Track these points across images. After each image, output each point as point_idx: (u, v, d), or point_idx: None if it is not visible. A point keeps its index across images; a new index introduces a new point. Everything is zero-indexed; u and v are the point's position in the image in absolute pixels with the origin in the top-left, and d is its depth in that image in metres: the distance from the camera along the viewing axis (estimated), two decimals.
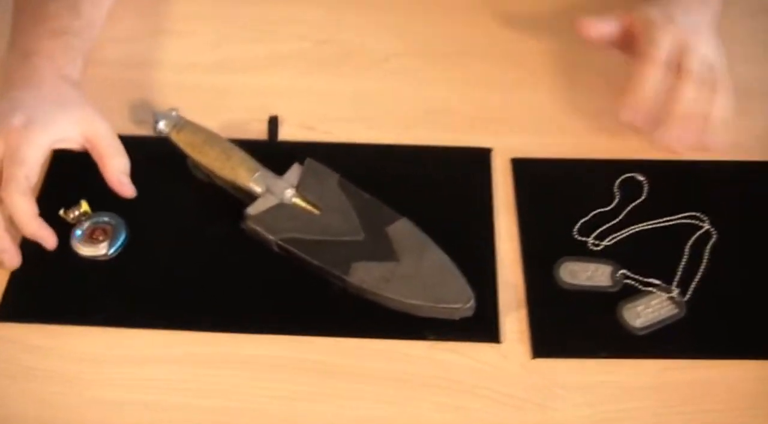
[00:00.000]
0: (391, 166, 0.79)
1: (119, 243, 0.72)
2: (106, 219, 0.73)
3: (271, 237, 0.70)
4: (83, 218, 0.73)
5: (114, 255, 0.72)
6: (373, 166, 0.78)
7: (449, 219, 0.74)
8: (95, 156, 0.74)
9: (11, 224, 0.70)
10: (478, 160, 0.80)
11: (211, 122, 0.78)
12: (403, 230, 0.71)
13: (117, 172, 0.73)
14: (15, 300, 0.70)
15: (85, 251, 0.72)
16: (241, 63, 0.88)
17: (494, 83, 0.86)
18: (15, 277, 0.72)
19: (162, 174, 0.78)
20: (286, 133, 0.82)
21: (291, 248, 0.70)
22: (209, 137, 0.75)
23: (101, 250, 0.72)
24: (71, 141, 0.74)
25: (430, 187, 0.78)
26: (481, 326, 0.69)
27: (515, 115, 0.84)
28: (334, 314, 0.69)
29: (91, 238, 0.72)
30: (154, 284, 0.71)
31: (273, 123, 0.82)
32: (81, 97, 0.76)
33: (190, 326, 0.69)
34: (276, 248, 0.71)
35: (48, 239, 0.71)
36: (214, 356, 0.68)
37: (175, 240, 0.74)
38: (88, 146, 0.74)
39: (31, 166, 0.70)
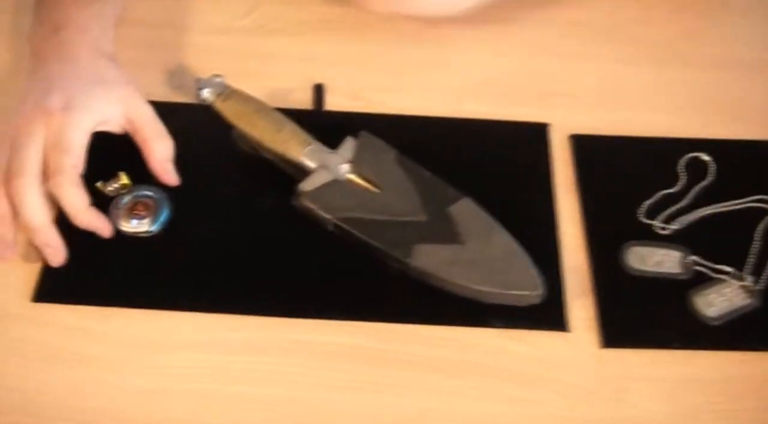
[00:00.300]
0: (442, 141, 0.75)
1: (163, 219, 0.68)
2: (148, 193, 0.69)
3: (327, 216, 0.66)
4: (123, 192, 0.69)
5: (157, 232, 0.67)
6: (423, 141, 0.74)
7: (506, 198, 0.70)
8: (138, 140, 0.69)
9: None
10: (534, 136, 0.76)
11: (251, 90, 0.73)
12: (466, 211, 0.67)
13: (162, 158, 0.69)
14: (52, 280, 0.66)
15: (127, 227, 0.67)
16: (282, 26, 0.84)
17: (551, 53, 0.82)
18: None
19: (203, 144, 0.74)
20: (331, 103, 0.78)
21: (349, 228, 0.66)
22: (258, 107, 0.71)
23: (144, 226, 0.67)
24: (113, 123, 0.69)
25: (484, 163, 0.74)
26: (548, 313, 0.65)
27: (573, 89, 0.80)
28: (392, 298, 0.66)
29: (132, 213, 0.68)
30: (200, 264, 0.67)
31: (318, 91, 0.78)
32: (121, 74, 0.71)
33: (239, 310, 0.65)
34: (331, 228, 0.67)
35: (103, 228, 0.67)
36: (265, 342, 0.64)
37: (220, 216, 0.70)
38: (129, 129, 0.69)
39: (77, 154, 0.65)
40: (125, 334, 0.64)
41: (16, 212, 0.64)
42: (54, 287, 0.66)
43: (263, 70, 0.80)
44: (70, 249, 0.66)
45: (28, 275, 0.66)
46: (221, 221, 0.69)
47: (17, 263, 0.67)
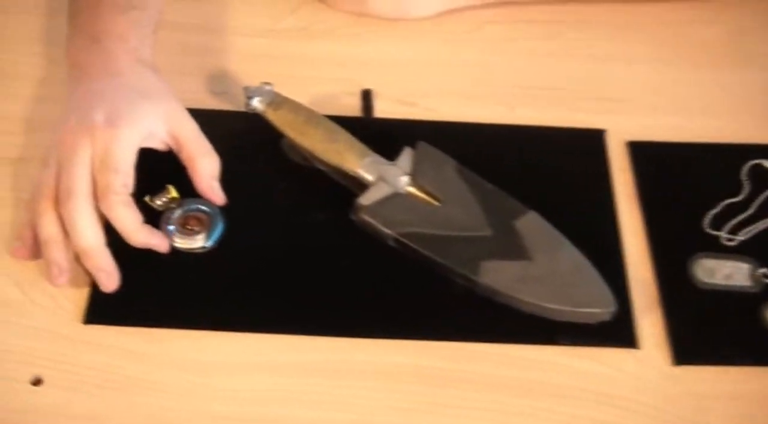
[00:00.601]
0: (495, 149, 0.73)
1: (217, 234, 0.65)
2: (200, 207, 0.66)
3: (388, 231, 0.64)
4: (172, 205, 0.66)
5: (211, 248, 0.65)
6: (475, 149, 0.72)
7: (565, 209, 0.68)
8: (183, 157, 0.66)
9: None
10: (590, 143, 0.74)
11: (294, 96, 0.71)
12: (532, 225, 0.65)
13: (208, 176, 0.66)
14: (104, 300, 0.63)
15: (180, 243, 0.65)
16: (325, 28, 0.81)
17: (599, 56, 0.80)
18: None
19: (251, 154, 0.71)
20: (380, 110, 0.75)
21: (411, 244, 0.64)
22: (310, 116, 0.68)
23: (198, 242, 0.65)
24: (156, 139, 0.66)
25: (539, 172, 0.72)
26: (617, 329, 0.63)
27: (626, 92, 0.78)
28: (456, 316, 0.64)
29: (184, 228, 0.65)
30: (255, 282, 0.65)
31: (367, 97, 0.75)
32: (164, 86, 0.68)
33: (297, 330, 0.63)
34: (392, 243, 0.65)
35: (160, 245, 0.64)
36: (327, 364, 0.62)
37: (274, 231, 0.67)
38: (173, 145, 0.67)
39: (126, 172, 0.62)
40: (182, 357, 0.62)
41: (67, 235, 0.62)
42: (105, 308, 0.63)
43: (307, 75, 0.77)
44: (120, 266, 0.64)
45: (77, 295, 0.64)
46: (275, 236, 0.67)
47: (66, 284, 0.64)
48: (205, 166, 0.66)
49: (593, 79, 0.78)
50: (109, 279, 0.62)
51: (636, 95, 0.77)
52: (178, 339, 0.62)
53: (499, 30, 0.81)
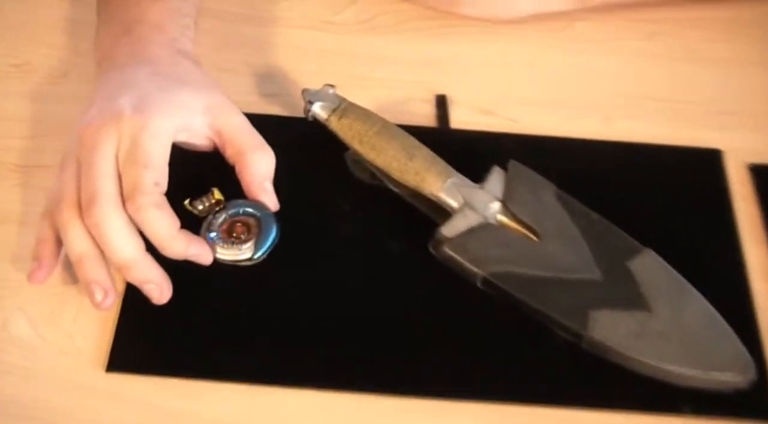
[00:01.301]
0: (590, 169, 0.62)
1: (268, 244, 0.54)
2: (249, 210, 0.55)
3: (476, 270, 0.53)
4: (216, 209, 0.55)
5: (259, 260, 0.54)
6: (567, 168, 0.61)
7: (678, 246, 0.57)
8: (230, 153, 0.55)
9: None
10: (704, 165, 0.63)
11: (356, 100, 0.60)
12: (650, 267, 0.54)
13: (260, 174, 0.55)
14: (132, 341, 0.53)
15: (224, 253, 0.53)
16: (391, 22, 0.70)
17: (720, 60, 0.68)
18: (127, 306, 0.54)
19: (308, 168, 0.60)
20: (456, 119, 0.64)
21: (504, 287, 0.53)
22: (382, 127, 0.57)
23: (245, 252, 0.53)
24: (196, 132, 0.55)
25: (644, 199, 0.61)
26: (751, 398, 0.52)
27: (749, 105, 0.66)
28: (556, 375, 0.53)
29: (230, 236, 0.54)
30: (314, 325, 0.54)
31: (442, 105, 0.64)
32: (208, 79, 0.57)
33: (359, 386, 0.52)
34: (480, 284, 0.54)
35: (202, 254, 0.53)
36: None
37: (335, 263, 0.57)
38: (218, 141, 0.56)
39: (158, 167, 0.51)
40: (220, 417, 0.51)
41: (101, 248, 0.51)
42: (134, 352, 0.53)
43: (371, 76, 0.67)
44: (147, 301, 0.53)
45: (99, 334, 0.53)
46: (336, 270, 0.56)
47: (87, 319, 0.53)
48: (258, 163, 0.55)
49: (705, 87, 0.67)
50: (161, 290, 0.52)
51: (758, 108, 0.66)
52: (214, 394, 0.52)
53: (592, 29, 0.70)
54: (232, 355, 0.53)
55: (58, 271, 0.55)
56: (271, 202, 0.55)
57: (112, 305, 0.52)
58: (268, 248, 0.54)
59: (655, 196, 0.61)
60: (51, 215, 0.53)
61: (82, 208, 0.51)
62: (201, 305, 0.54)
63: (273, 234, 0.54)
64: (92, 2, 0.63)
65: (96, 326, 0.54)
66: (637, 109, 0.66)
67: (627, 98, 0.67)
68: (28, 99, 0.64)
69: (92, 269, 0.51)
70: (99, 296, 0.51)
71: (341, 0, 0.71)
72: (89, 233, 0.51)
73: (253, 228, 0.54)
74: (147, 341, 0.53)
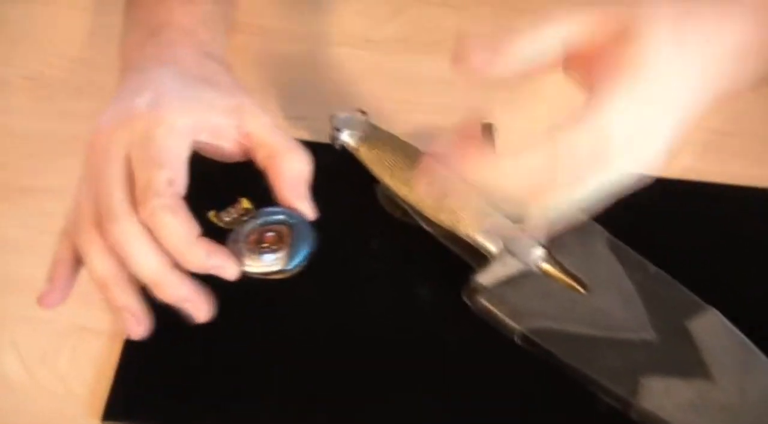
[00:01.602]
0: (647, 211, 0.55)
1: (302, 255, 0.47)
2: (280, 217, 0.48)
3: (514, 324, 0.48)
4: (244, 220, 0.49)
5: (292, 274, 0.48)
6: (618, 209, 0.54)
7: (747, 305, 0.50)
8: (260, 157, 0.49)
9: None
10: None
11: (394, 125, 0.55)
12: (713, 329, 0.48)
13: (295, 178, 0.48)
14: (131, 386, 0.48)
15: (252, 265, 0.47)
16: (435, 39, 0.64)
17: None
18: (128, 350, 0.50)
19: (334, 199, 0.54)
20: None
21: (545, 345, 0.48)
22: (416, 159, 0.52)
23: (275, 264, 0.47)
24: (221, 135, 0.49)
25: (711, 249, 0.54)
26: None
27: None
28: None
29: (258, 246, 0.48)
30: (340, 373, 0.49)
31: (488, 134, 0.58)
32: (238, 82, 0.52)
33: None
34: (519, 340, 0.48)
35: (227, 266, 0.46)
36: None
37: (359, 307, 0.52)
38: (248, 145, 0.50)
39: (173, 166, 0.45)
40: None
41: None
42: (131, 400, 0.48)
43: (407, 99, 0.61)
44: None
45: (95, 378, 0.48)
46: (359, 315, 0.51)
47: (84, 361, 0.49)
48: (292, 166, 0.48)
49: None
50: (200, 307, 0.46)
51: None
52: None
53: None
54: (240, 405, 0.48)
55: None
56: (307, 209, 0.49)
57: (147, 330, 0.46)
58: (304, 258, 0.48)
59: (725, 247, 0.54)
60: (69, 236, 0.48)
61: (101, 225, 0.46)
62: (206, 352, 0.50)
63: (308, 243, 0.48)
64: (114, 13, 0.59)
65: (93, 368, 0.49)
66: (704, 143, 0.59)
67: (694, 130, 0.61)
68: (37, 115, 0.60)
69: (119, 294, 0.46)
70: (132, 324, 0.46)
71: (381, 13, 0.66)
72: (112, 252, 0.46)
73: (285, 237, 0.48)
74: (149, 388, 0.49)
